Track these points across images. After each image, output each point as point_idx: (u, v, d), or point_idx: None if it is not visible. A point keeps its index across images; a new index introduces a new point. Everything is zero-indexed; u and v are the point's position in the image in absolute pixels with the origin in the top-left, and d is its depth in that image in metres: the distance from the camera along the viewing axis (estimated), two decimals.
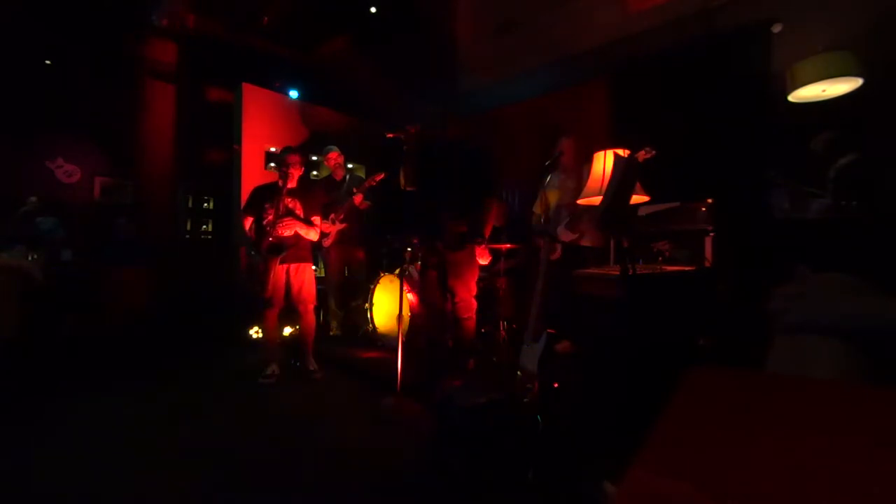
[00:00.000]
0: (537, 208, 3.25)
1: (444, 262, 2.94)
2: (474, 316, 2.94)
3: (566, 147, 3.03)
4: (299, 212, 3.03)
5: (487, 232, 2.93)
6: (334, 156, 4.08)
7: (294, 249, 3.01)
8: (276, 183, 3.03)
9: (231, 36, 4.95)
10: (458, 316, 2.89)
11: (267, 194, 3.05)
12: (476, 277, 2.97)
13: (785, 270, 1.54)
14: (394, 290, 3.43)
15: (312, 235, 3.06)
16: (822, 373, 1.20)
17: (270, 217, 2.95)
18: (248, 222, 3.10)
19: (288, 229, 2.94)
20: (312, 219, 3.06)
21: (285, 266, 3.02)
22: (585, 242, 2.94)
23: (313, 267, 3.23)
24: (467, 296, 2.89)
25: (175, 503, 1.70)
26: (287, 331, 3.37)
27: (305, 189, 3.17)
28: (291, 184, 3.01)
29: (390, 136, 2.98)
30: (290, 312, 3.24)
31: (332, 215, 3.85)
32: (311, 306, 3.15)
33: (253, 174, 5.00)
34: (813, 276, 1.44)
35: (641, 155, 2.75)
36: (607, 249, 2.88)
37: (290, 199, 3.01)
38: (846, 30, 2.60)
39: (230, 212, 5.21)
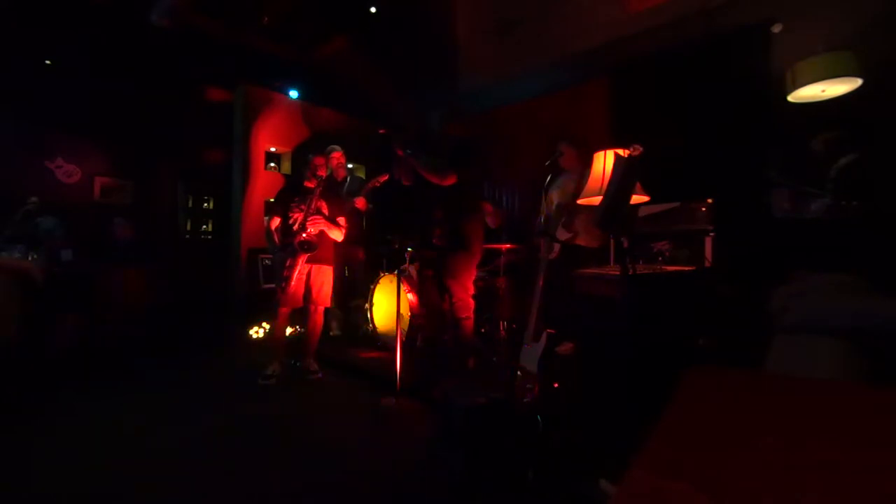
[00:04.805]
0: (542, 209, 3.24)
1: (439, 261, 2.92)
2: (472, 315, 2.93)
3: (565, 150, 3.02)
4: (325, 212, 3.13)
5: (470, 230, 2.87)
6: (337, 155, 4.08)
7: (318, 249, 3.06)
8: (302, 184, 3.15)
9: (231, 36, 4.94)
10: (456, 316, 2.88)
11: (293, 194, 3.14)
12: (473, 277, 2.95)
13: (785, 270, 1.54)
14: (393, 290, 3.43)
15: (337, 235, 3.14)
16: (822, 373, 1.20)
17: (298, 216, 3.02)
18: (275, 222, 3.17)
19: (315, 227, 3.02)
20: (337, 219, 3.14)
21: (308, 266, 3.08)
22: (580, 241, 2.93)
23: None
24: (464, 295, 2.87)
25: (175, 503, 1.70)
26: (288, 331, 3.37)
27: (331, 190, 3.29)
28: (321, 185, 3.12)
29: (382, 131, 3.00)
30: (295, 312, 3.25)
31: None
32: (322, 308, 3.21)
33: (253, 174, 5.01)
34: (813, 276, 1.44)
35: (627, 152, 2.74)
36: (607, 249, 2.88)
37: (316, 199, 3.10)
38: (846, 30, 2.59)
39: (230, 212, 5.21)
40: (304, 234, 2.98)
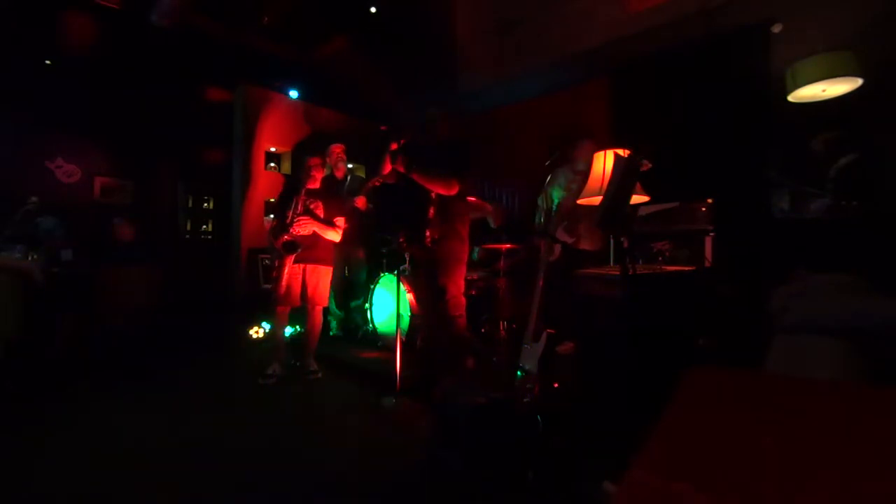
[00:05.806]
0: (541, 202, 3.25)
1: (428, 259, 2.90)
2: (465, 314, 2.92)
3: (585, 148, 2.99)
4: (320, 212, 3.09)
5: (462, 227, 2.86)
6: (337, 150, 4.05)
7: (312, 250, 3.04)
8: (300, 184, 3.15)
9: (231, 35, 4.94)
10: (449, 314, 2.87)
11: (292, 195, 3.13)
12: (463, 274, 2.94)
13: (785, 270, 1.54)
14: (394, 290, 3.43)
15: (332, 236, 3.11)
16: (822, 373, 1.20)
17: (290, 217, 3.02)
18: (275, 223, 3.16)
19: (304, 228, 2.99)
20: (335, 220, 3.12)
21: (301, 266, 3.06)
22: (583, 246, 2.93)
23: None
24: (457, 293, 2.86)
25: (174, 503, 1.70)
26: (289, 331, 3.37)
27: (329, 190, 3.27)
28: (312, 185, 3.10)
29: (384, 128, 2.99)
30: (295, 312, 3.25)
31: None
32: (320, 307, 3.19)
33: (253, 174, 5.01)
34: (813, 276, 1.44)
35: (627, 152, 2.74)
36: (607, 249, 2.88)
37: (311, 200, 3.08)
38: (846, 30, 2.60)
39: (230, 212, 5.21)
40: (286, 236, 2.96)
